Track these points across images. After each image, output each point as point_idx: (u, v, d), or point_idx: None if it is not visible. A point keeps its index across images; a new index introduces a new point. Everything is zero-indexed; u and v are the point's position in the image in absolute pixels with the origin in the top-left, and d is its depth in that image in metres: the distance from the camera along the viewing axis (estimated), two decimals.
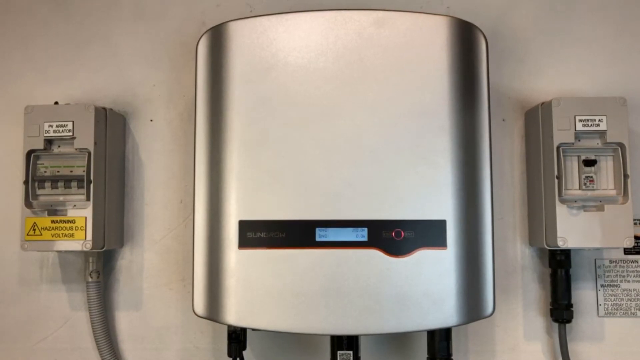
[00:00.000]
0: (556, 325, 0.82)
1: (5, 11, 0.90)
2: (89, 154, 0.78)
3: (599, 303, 0.84)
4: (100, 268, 0.83)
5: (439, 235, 0.70)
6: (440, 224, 0.70)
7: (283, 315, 0.69)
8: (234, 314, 0.70)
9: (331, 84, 0.72)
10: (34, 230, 0.77)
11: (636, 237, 0.83)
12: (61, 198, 0.79)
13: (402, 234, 0.70)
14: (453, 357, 0.76)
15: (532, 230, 0.84)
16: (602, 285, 0.84)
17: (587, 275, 0.84)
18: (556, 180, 0.76)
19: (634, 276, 0.84)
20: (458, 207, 0.70)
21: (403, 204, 0.70)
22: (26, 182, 0.78)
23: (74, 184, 0.78)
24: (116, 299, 0.86)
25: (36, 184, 0.78)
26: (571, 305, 0.80)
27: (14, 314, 0.86)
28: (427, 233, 0.70)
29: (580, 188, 0.77)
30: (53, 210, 0.78)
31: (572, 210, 0.76)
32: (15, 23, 0.90)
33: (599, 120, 0.76)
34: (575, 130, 0.76)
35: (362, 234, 0.70)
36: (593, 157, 0.77)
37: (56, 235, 0.77)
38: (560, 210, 0.75)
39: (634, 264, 0.84)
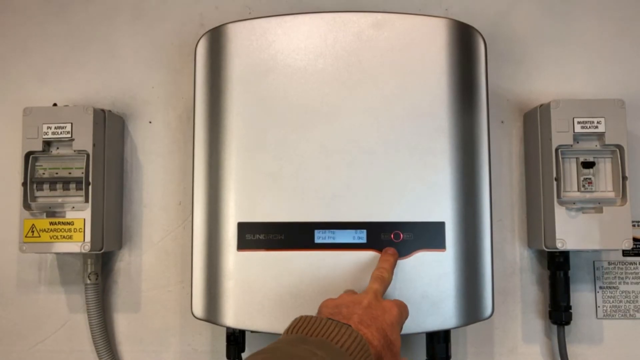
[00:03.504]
0: (555, 327, 0.82)
1: (3, 12, 0.90)
2: (88, 155, 0.78)
3: (598, 305, 0.84)
4: (98, 270, 0.83)
5: (437, 237, 0.70)
6: (439, 226, 0.70)
7: (282, 317, 0.69)
8: (233, 316, 0.70)
9: (330, 86, 0.72)
10: (32, 232, 0.77)
11: (635, 239, 0.83)
12: (60, 200, 0.78)
13: (401, 235, 0.70)
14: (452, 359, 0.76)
15: (530, 232, 0.84)
16: (600, 287, 0.84)
17: (585, 277, 0.84)
18: (555, 182, 0.76)
19: (632, 278, 0.84)
20: (457, 209, 0.70)
21: (402, 205, 0.70)
22: (24, 184, 0.78)
23: (72, 185, 0.78)
24: (114, 301, 0.86)
25: (34, 186, 0.78)
26: (570, 307, 0.80)
27: (12, 316, 0.86)
28: (426, 235, 0.70)
29: (578, 190, 0.77)
30: (51, 212, 0.78)
31: (570, 212, 0.76)
32: (14, 24, 0.90)
33: (598, 122, 0.76)
34: (573, 132, 0.76)
35: (360, 236, 0.70)
36: (591, 159, 0.77)
37: (54, 237, 0.77)
38: (559, 212, 0.75)
39: (632, 266, 0.84)
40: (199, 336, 0.85)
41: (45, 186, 0.78)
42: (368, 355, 0.50)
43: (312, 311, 0.60)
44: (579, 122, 0.76)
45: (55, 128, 0.78)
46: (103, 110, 0.82)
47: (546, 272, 0.83)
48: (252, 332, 0.75)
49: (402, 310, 0.59)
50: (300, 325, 0.51)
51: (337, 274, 0.69)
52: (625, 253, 0.84)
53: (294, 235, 0.70)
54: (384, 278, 0.62)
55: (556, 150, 0.76)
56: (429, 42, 0.73)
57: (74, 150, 0.78)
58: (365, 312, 0.55)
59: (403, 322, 0.59)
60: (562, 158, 0.77)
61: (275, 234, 0.70)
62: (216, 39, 0.74)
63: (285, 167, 0.71)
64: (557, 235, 0.75)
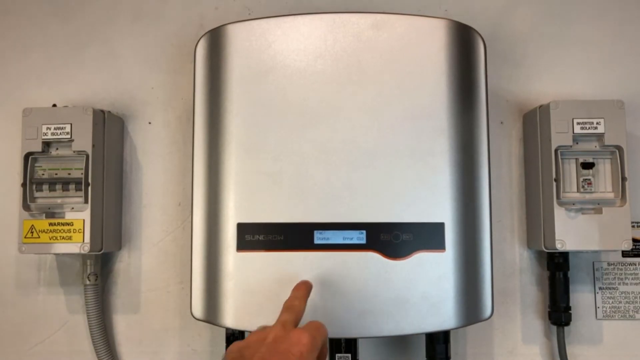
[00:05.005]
0: (554, 328, 0.82)
1: (3, 13, 0.90)
2: (87, 156, 0.78)
3: (597, 306, 0.84)
4: (98, 271, 0.83)
5: (437, 238, 0.70)
6: (439, 227, 0.70)
7: None
8: (232, 317, 0.70)
9: (329, 87, 0.72)
10: (32, 232, 0.77)
11: (634, 240, 0.83)
12: (59, 201, 0.78)
13: (401, 236, 0.70)
14: None
15: (530, 232, 0.84)
16: (600, 288, 0.84)
17: (585, 278, 0.84)
18: (554, 183, 0.76)
19: (632, 279, 0.84)
20: (456, 209, 0.70)
21: (401, 206, 0.70)
22: (24, 185, 0.78)
23: (72, 186, 0.78)
24: (114, 302, 0.86)
25: (34, 187, 0.78)
26: (569, 308, 0.80)
27: (11, 316, 0.86)
28: (426, 236, 0.70)
29: (578, 191, 0.77)
30: (51, 213, 0.78)
31: (570, 213, 0.76)
32: (13, 25, 0.90)
33: (597, 123, 0.76)
34: (573, 133, 0.76)
35: (360, 237, 0.70)
36: (591, 160, 0.77)
37: (54, 238, 0.77)
38: (559, 212, 0.76)
39: (632, 267, 0.84)
40: (199, 337, 0.85)
41: (45, 187, 0.78)
42: None
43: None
44: (578, 123, 0.76)
45: (54, 129, 0.78)
46: (102, 111, 0.82)
47: (546, 273, 0.83)
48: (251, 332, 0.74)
49: (315, 335, 0.52)
50: None
51: (337, 275, 0.69)
52: (625, 254, 0.84)
53: (293, 236, 0.70)
54: (294, 306, 0.59)
55: (555, 151, 0.76)
56: (429, 43, 0.73)
57: (74, 151, 0.78)
58: (268, 349, 0.50)
59: (318, 347, 0.53)
60: (562, 159, 0.77)
61: (274, 234, 0.70)
62: (216, 40, 0.74)
63: (285, 168, 0.71)
64: (557, 236, 0.75)
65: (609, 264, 0.84)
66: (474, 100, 0.73)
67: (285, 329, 0.53)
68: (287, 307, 0.59)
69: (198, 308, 0.72)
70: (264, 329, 0.55)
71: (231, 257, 0.70)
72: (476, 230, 0.71)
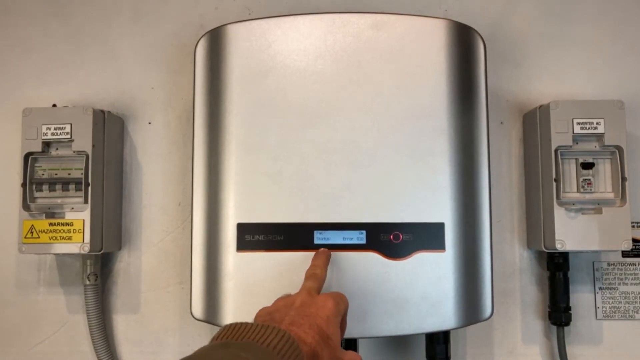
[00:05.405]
0: (554, 328, 0.82)
1: (3, 13, 0.90)
2: (87, 156, 0.78)
3: (597, 306, 0.84)
4: (97, 271, 0.83)
5: (437, 238, 0.70)
6: (439, 227, 0.70)
7: None
8: (232, 317, 0.70)
9: (329, 87, 0.72)
10: (32, 233, 0.77)
11: (634, 240, 0.83)
12: (59, 201, 0.78)
13: (401, 236, 0.70)
14: None
15: (530, 232, 0.84)
16: (600, 288, 0.84)
17: (585, 278, 0.84)
18: (554, 183, 0.76)
19: (632, 279, 0.84)
20: (456, 209, 0.70)
21: (401, 206, 0.70)
22: (24, 185, 0.78)
23: (71, 186, 0.78)
24: (114, 302, 0.86)
25: (34, 187, 0.78)
26: (569, 308, 0.80)
27: (11, 316, 0.86)
28: (426, 236, 0.70)
29: (578, 191, 0.77)
30: (51, 213, 0.78)
31: (570, 213, 0.76)
32: (13, 25, 0.90)
33: (597, 123, 0.76)
34: (573, 133, 0.76)
35: (360, 237, 0.70)
36: (591, 160, 0.77)
37: (54, 238, 0.77)
38: (559, 213, 0.76)
39: (632, 267, 0.84)
40: (199, 337, 0.85)
41: (45, 187, 0.78)
42: (298, 353, 0.48)
43: None
44: (578, 123, 0.76)
45: (54, 129, 0.78)
46: (102, 111, 0.82)
47: (546, 273, 0.83)
48: None
49: (339, 301, 0.56)
50: (226, 332, 0.49)
51: (337, 275, 0.69)
52: (625, 254, 0.84)
53: (293, 236, 0.70)
54: (316, 274, 0.62)
55: (555, 151, 0.76)
56: (429, 43, 0.73)
57: (74, 151, 0.78)
58: (297, 312, 0.53)
59: (342, 313, 0.57)
60: (562, 159, 0.77)
61: (274, 234, 0.70)
62: (216, 40, 0.74)
63: (285, 168, 0.71)
64: (557, 236, 0.75)
65: (609, 264, 0.84)
66: (473, 100, 0.73)
67: (310, 295, 0.57)
68: (310, 275, 0.62)
69: (198, 308, 0.72)
70: (288, 295, 0.58)
71: (231, 257, 0.70)
72: (476, 230, 0.71)
